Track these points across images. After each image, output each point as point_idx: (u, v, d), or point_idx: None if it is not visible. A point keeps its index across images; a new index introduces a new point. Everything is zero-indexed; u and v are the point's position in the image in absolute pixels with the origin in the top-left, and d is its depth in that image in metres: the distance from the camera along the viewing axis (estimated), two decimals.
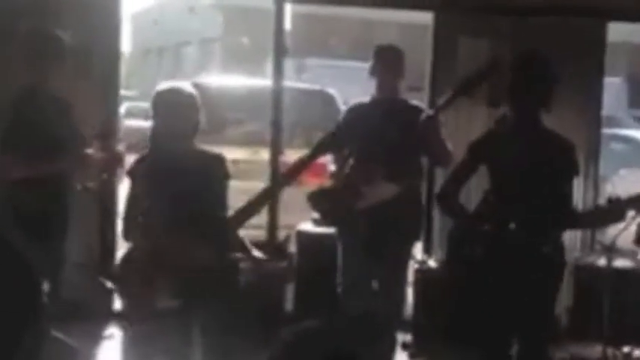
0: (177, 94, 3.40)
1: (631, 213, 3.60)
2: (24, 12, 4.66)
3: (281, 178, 4.09)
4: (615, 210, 3.31)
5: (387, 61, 4.33)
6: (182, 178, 3.26)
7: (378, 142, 4.16)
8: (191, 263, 3.19)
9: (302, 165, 3.42)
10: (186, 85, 3.49)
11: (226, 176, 3.46)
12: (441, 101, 3.97)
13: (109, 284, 4.96)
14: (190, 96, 3.41)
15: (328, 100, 7.73)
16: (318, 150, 3.46)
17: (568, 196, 3.45)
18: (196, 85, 7.25)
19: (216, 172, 3.42)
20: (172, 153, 3.37)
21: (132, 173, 3.44)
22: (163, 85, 3.48)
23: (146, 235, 3.27)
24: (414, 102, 4.51)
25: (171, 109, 3.36)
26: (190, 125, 3.39)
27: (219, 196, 3.40)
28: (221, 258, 3.32)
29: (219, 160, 3.45)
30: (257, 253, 3.80)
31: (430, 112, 4.12)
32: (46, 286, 3.61)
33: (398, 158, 4.13)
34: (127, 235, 3.45)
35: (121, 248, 3.81)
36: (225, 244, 3.38)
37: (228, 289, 3.40)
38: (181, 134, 3.38)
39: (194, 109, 3.40)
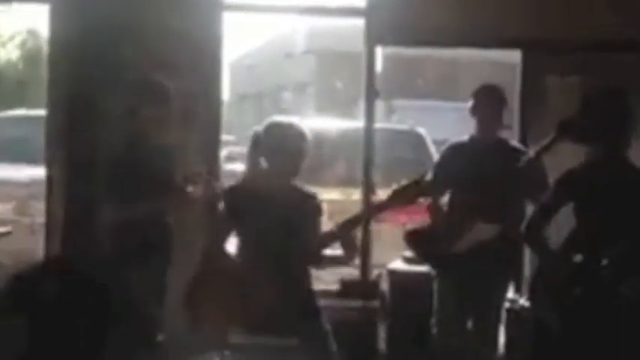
0: (292, 129, 3.39)
1: None
2: (136, 63, 4.89)
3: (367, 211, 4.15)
4: None
5: (488, 101, 4.31)
6: (278, 212, 3.28)
7: (479, 183, 4.15)
8: (275, 299, 3.17)
9: (389, 203, 3.45)
10: (298, 121, 3.47)
11: (320, 214, 3.48)
12: (543, 143, 3.96)
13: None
14: (303, 132, 3.39)
15: (418, 140, 7.82)
16: (405, 195, 3.41)
17: None
18: None
19: (312, 210, 3.44)
20: (271, 187, 3.36)
21: (225, 200, 3.45)
22: (276, 120, 3.45)
23: (231, 264, 3.29)
24: (515, 143, 4.49)
25: (286, 144, 3.34)
26: (302, 162, 3.36)
27: (313, 234, 3.40)
28: (304, 296, 3.34)
29: (314, 198, 3.47)
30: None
31: (532, 153, 4.09)
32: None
33: (498, 199, 4.13)
34: (208, 257, 3.42)
35: None
36: (310, 283, 3.39)
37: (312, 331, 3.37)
38: (290, 170, 3.36)
39: (307, 146, 3.37)
